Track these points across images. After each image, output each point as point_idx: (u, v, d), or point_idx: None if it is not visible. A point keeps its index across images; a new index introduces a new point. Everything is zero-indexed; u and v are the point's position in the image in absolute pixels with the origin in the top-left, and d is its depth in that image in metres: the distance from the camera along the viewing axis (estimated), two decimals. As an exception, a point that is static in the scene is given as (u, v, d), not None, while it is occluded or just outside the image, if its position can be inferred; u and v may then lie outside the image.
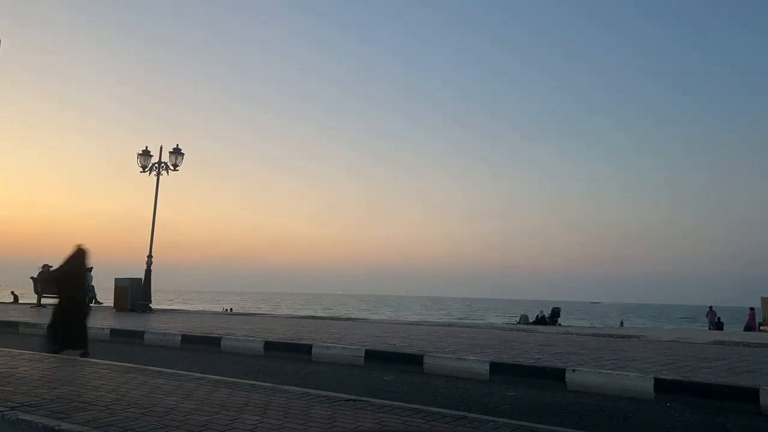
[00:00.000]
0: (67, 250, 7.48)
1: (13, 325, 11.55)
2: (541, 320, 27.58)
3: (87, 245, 7.47)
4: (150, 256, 17.30)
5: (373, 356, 7.36)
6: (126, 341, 9.72)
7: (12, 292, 29.48)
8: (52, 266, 18.65)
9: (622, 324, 36.83)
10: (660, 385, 5.44)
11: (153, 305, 17.71)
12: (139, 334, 9.81)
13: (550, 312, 28.87)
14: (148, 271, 17.24)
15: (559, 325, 25.01)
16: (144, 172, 18.19)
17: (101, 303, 19.78)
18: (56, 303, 8.00)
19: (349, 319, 17.59)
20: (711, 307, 31.27)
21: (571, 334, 11.55)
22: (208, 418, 3.72)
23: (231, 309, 32.37)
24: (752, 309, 28.87)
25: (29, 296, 21.56)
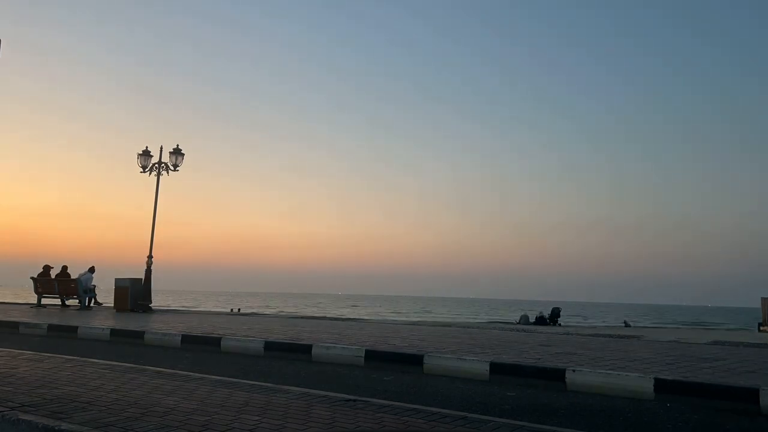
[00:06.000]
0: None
1: (13, 325, 11.55)
2: (540, 320, 27.60)
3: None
4: (150, 257, 17.31)
5: (373, 356, 7.36)
6: (126, 341, 9.72)
7: None
8: (53, 267, 18.77)
9: (626, 324, 36.81)
10: (660, 385, 5.44)
11: (153, 305, 17.73)
12: (140, 335, 9.82)
13: (550, 312, 28.90)
14: (148, 272, 17.26)
15: (560, 325, 25.05)
16: (144, 172, 18.22)
17: (101, 303, 19.79)
18: None
19: (349, 319, 17.60)
20: None
21: (572, 334, 11.56)
22: (208, 418, 3.72)
23: (239, 309, 32.31)
24: None
25: (30, 296, 21.59)
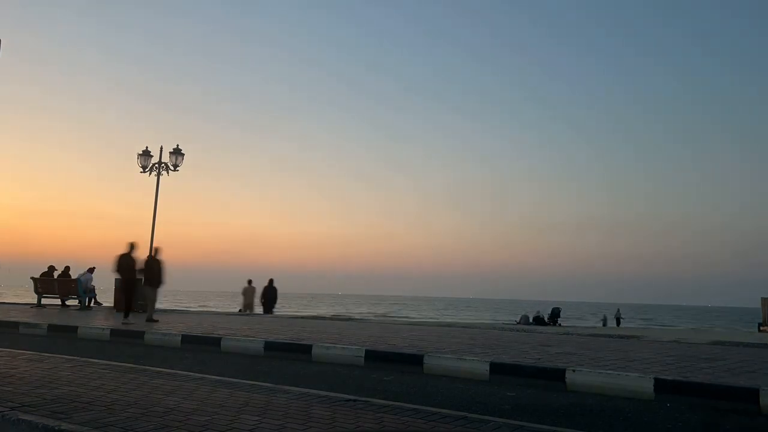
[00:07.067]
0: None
1: (13, 325, 11.55)
2: (539, 320, 27.59)
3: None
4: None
5: (373, 356, 7.36)
6: (126, 341, 9.72)
7: None
8: (57, 269, 18.76)
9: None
10: (660, 385, 5.44)
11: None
12: (140, 335, 9.82)
13: (549, 312, 28.92)
14: (148, 272, 17.20)
15: (559, 325, 25.06)
16: (144, 172, 18.21)
17: (101, 304, 19.77)
18: None
19: (349, 319, 17.59)
20: None
21: (571, 334, 11.55)
22: (208, 418, 3.72)
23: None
24: None
25: (29, 296, 21.58)
